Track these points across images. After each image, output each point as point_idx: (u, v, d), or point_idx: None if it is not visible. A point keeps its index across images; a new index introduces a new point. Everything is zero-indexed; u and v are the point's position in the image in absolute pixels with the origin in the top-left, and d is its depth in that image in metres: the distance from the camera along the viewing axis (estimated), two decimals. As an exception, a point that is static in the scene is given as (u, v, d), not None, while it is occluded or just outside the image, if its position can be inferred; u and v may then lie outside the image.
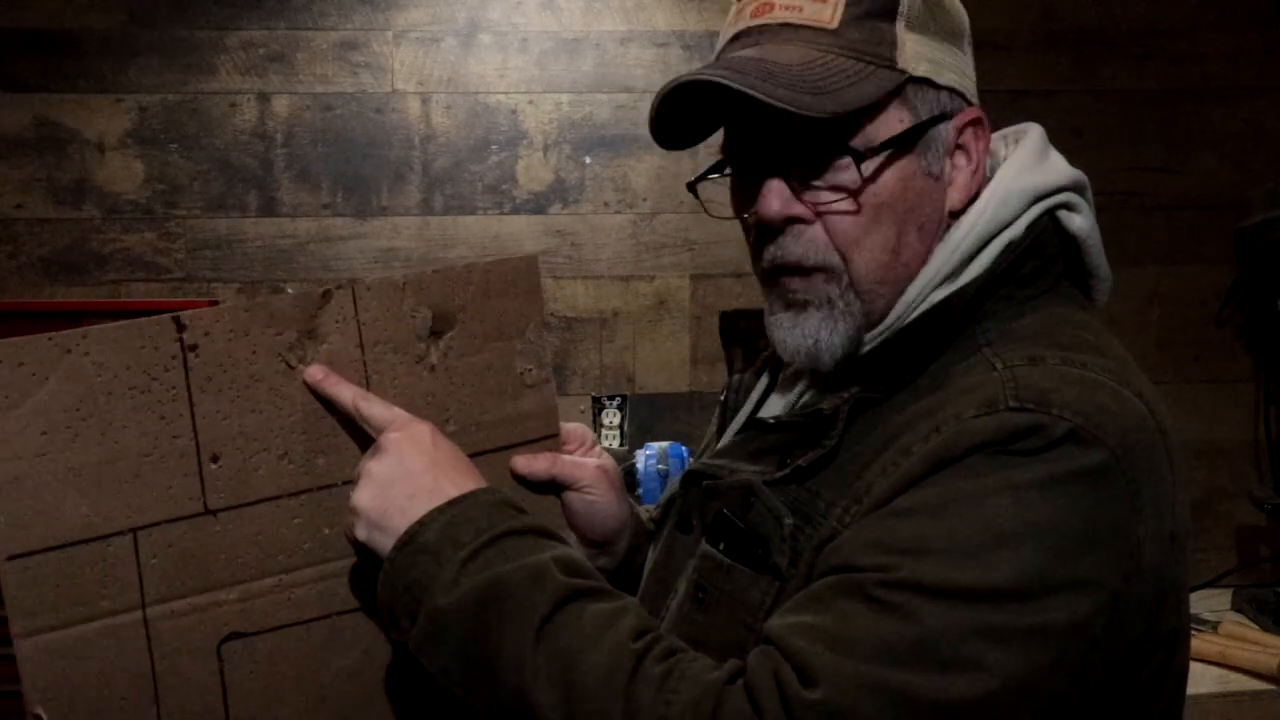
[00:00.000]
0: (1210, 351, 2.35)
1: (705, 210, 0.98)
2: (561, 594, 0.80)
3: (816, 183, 0.86)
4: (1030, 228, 0.87)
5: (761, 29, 0.87)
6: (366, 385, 0.93)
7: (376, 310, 0.93)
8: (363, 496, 0.87)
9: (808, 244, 0.87)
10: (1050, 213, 0.89)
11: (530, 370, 0.99)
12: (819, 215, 0.86)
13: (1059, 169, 0.91)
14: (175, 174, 2.18)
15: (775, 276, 0.90)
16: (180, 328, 0.88)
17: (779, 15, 0.86)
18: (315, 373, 0.91)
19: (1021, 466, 0.75)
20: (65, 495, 0.85)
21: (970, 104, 0.89)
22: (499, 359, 0.97)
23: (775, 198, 0.86)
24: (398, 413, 0.91)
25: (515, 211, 2.24)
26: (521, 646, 0.78)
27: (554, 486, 1.00)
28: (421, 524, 0.84)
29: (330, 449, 0.93)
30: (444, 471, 0.87)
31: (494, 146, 2.23)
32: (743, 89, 0.81)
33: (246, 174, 2.19)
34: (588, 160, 2.24)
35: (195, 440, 0.89)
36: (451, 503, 0.85)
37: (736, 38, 0.89)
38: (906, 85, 0.85)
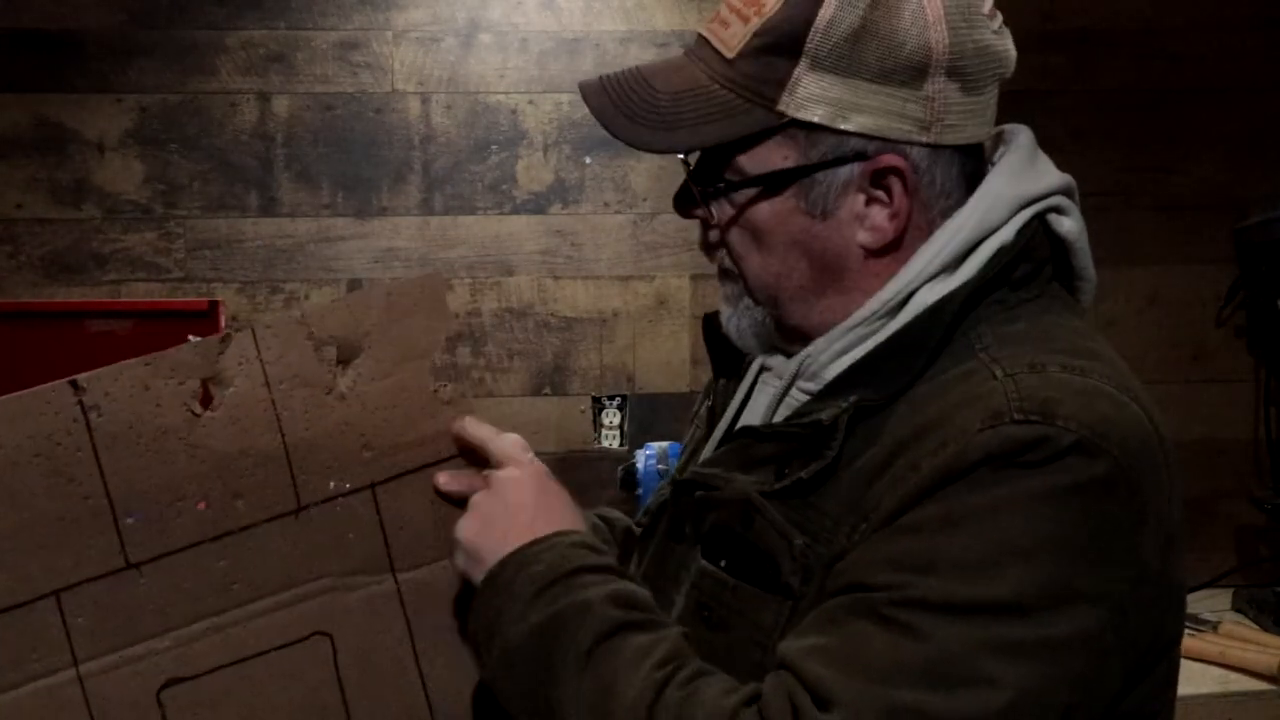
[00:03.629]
0: (1210, 351, 2.36)
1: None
2: (606, 627, 0.82)
3: (706, 197, 0.91)
4: (1021, 232, 0.87)
5: (698, 37, 0.90)
6: (278, 423, 0.93)
7: (279, 348, 0.93)
8: (465, 528, 0.91)
9: (709, 241, 0.94)
10: (1040, 216, 0.88)
11: (444, 386, 0.99)
12: (707, 223, 0.92)
13: (1048, 173, 0.90)
14: (175, 174, 2.18)
15: None
16: (78, 390, 0.88)
17: (712, 29, 0.89)
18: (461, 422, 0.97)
19: (1028, 479, 0.75)
20: None
21: (896, 145, 0.84)
22: (411, 379, 0.97)
23: (680, 198, 0.94)
24: (519, 454, 0.94)
25: (515, 212, 2.25)
26: (569, 678, 0.81)
27: None
28: (503, 563, 0.88)
29: (249, 490, 0.93)
30: (542, 513, 0.90)
31: (494, 146, 2.23)
32: (594, 110, 0.89)
33: (246, 174, 2.19)
34: (588, 160, 2.25)
35: (108, 497, 0.89)
36: (535, 541, 0.88)
37: (698, 36, 0.92)
38: (790, 126, 0.85)
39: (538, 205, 2.25)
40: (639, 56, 2.23)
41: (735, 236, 0.90)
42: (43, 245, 2.16)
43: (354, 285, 2.21)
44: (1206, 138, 2.33)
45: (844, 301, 0.89)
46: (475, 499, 0.92)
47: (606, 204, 2.25)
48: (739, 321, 0.94)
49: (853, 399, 0.84)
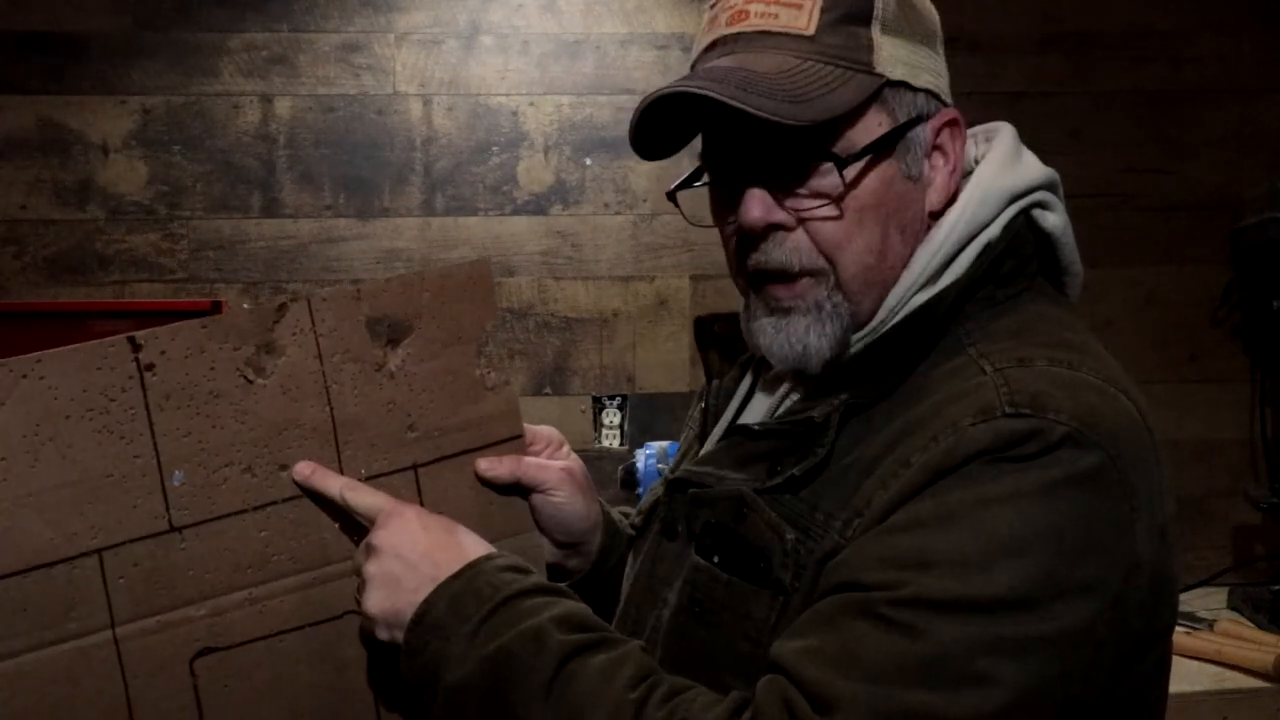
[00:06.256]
0: (1207, 351, 2.37)
1: (685, 219, 0.97)
2: (562, 653, 0.81)
3: (799, 189, 0.86)
4: (1007, 228, 0.88)
5: (737, 37, 0.87)
6: (326, 396, 0.93)
7: (333, 321, 0.93)
8: (372, 602, 0.89)
9: (791, 250, 0.87)
10: (1025, 211, 0.89)
11: (489, 373, 0.99)
12: (801, 221, 0.86)
13: (1033, 168, 0.91)
14: (178, 175, 2.19)
15: (759, 283, 0.90)
16: (136, 348, 0.88)
17: (755, 23, 0.86)
18: (303, 469, 0.93)
19: (1020, 473, 0.76)
20: (28, 519, 0.85)
21: (946, 105, 0.90)
22: (458, 363, 0.98)
23: (757, 205, 0.86)
24: (383, 501, 0.92)
25: (516, 213, 2.26)
26: (532, 711, 0.80)
27: (521, 489, 1.01)
28: (429, 603, 0.86)
29: (294, 461, 0.93)
30: (441, 553, 0.89)
31: (495, 148, 2.25)
32: (725, 100, 0.80)
33: (249, 175, 2.20)
34: (588, 162, 2.26)
35: (157, 458, 0.89)
36: (454, 576, 0.87)
37: (713, 46, 0.88)
38: (884, 89, 0.85)
39: (538, 206, 2.26)
40: (639, 59, 2.25)
41: (834, 224, 0.85)
42: (47, 246, 2.17)
43: (356, 286, 2.22)
44: (1203, 139, 2.34)
45: (899, 275, 0.88)
46: (367, 569, 0.89)
47: (607, 205, 2.26)
48: (822, 329, 0.87)
49: (844, 397, 0.85)
